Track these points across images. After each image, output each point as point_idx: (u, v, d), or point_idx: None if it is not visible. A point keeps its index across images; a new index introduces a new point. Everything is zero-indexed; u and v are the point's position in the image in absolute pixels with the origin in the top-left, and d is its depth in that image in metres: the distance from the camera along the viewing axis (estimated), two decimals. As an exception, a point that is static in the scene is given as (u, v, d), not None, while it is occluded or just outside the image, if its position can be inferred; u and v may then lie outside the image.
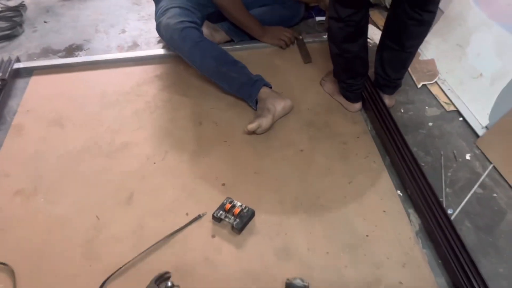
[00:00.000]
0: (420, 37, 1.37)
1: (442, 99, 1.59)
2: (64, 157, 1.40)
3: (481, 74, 1.52)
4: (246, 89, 1.52)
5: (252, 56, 1.82)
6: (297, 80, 1.72)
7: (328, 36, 1.40)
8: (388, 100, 1.53)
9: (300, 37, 1.89)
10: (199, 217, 1.20)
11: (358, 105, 1.54)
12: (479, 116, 1.48)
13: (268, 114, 1.44)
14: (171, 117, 1.55)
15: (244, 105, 1.57)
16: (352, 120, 1.53)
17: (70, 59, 1.82)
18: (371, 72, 1.55)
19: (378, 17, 2.08)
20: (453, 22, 1.69)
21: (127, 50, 1.91)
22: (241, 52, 1.84)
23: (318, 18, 2.04)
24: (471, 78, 1.55)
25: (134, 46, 1.94)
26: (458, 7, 1.68)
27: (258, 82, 1.52)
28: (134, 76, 1.74)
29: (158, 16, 1.65)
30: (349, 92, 1.52)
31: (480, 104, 1.50)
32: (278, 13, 1.90)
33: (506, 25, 1.47)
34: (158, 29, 1.63)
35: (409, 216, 1.21)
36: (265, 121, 1.42)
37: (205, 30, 1.78)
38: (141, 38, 1.99)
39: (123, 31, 2.05)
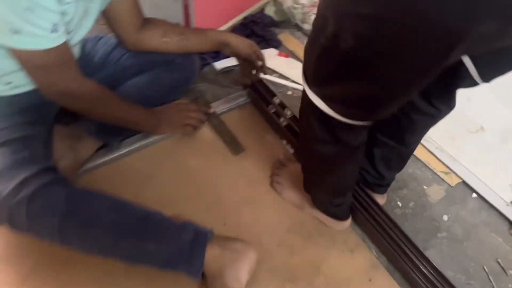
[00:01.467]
0: (427, 130, 0.90)
1: (436, 167, 1.17)
2: None
3: (482, 128, 1.12)
4: (178, 265, 0.86)
5: (150, 165, 1.13)
6: (235, 191, 1.10)
7: (306, 160, 0.84)
8: (380, 199, 1.06)
9: (212, 111, 1.24)
10: None
11: (347, 222, 1.03)
12: (497, 188, 1.10)
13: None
14: None
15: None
16: (346, 247, 1.02)
17: None
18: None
19: (292, 42, 1.53)
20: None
21: None
22: (128, 160, 1.13)
23: (218, 65, 1.38)
24: (468, 133, 1.15)
25: None
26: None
27: (198, 245, 0.86)
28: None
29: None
30: (335, 210, 0.99)
31: (491, 170, 1.12)
32: (165, 79, 1.18)
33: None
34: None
35: None
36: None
37: (60, 146, 1.00)
38: None
39: None
